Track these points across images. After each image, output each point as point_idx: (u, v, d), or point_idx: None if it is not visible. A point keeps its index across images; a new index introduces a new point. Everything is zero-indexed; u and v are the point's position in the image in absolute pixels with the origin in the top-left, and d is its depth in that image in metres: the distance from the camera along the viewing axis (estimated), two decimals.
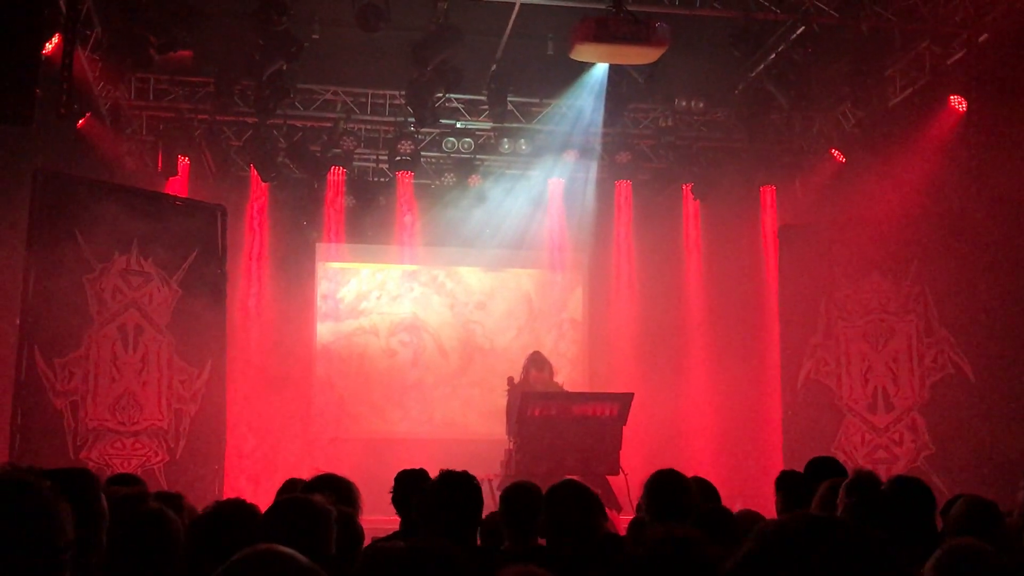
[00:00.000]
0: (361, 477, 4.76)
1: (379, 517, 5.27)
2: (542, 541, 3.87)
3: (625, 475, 9.05)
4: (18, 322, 8.99)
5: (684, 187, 13.27)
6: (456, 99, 12.00)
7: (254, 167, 12.27)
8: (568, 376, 12.61)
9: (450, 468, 4.05)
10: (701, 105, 11.85)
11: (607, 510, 4.89)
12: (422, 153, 12.46)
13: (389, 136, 12.43)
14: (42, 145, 9.37)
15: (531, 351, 10.60)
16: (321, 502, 3.10)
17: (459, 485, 3.92)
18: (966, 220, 10.19)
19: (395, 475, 4.98)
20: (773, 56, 10.55)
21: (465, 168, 12.69)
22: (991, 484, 8.11)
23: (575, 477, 6.16)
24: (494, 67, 11.16)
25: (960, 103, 10.07)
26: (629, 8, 8.75)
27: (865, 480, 4.01)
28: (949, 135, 10.22)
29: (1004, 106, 9.20)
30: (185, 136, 11.71)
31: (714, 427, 12.64)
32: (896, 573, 1.32)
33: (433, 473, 4.14)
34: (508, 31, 10.23)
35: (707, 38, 10.22)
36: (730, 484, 9.34)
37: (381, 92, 12.05)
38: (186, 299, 10.22)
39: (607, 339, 13.52)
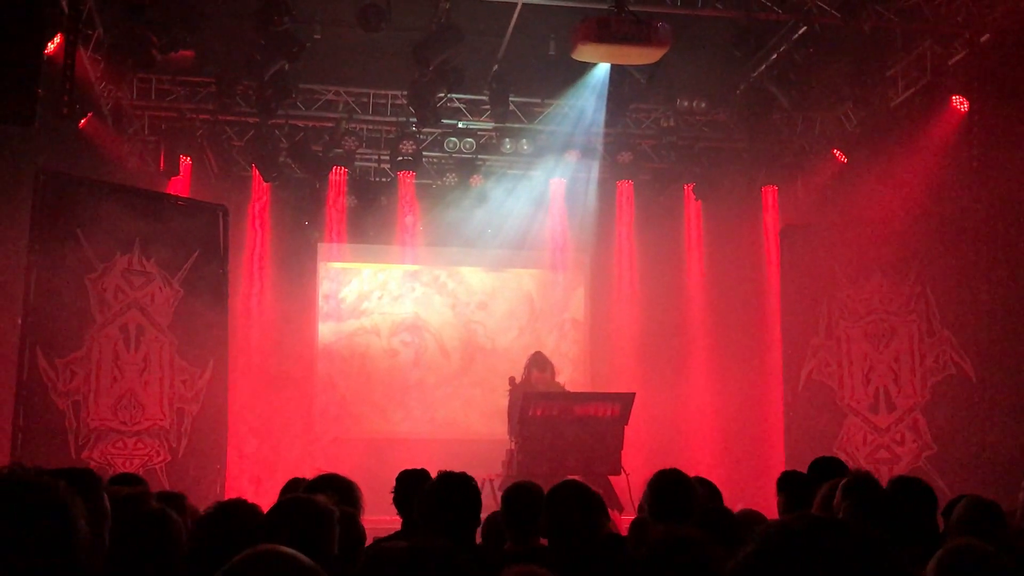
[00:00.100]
0: (362, 477, 4.76)
1: (381, 517, 5.27)
2: (544, 541, 3.88)
3: (626, 475, 9.05)
4: (20, 322, 9.00)
5: (686, 187, 13.27)
6: (458, 99, 12.00)
7: (256, 167, 12.28)
8: (569, 376, 12.62)
9: (452, 468, 4.05)
10: (703, 105, 11.85)
11: (609, 510, 4.89)
12: (424, 153, 12.46)
13: (391, 136, 12.43)
14: (44, 145, 9.39)
15: (533, 351, 10.61)
16: (324, 502, 3.11)
17: (457, 486, 3.93)
18: (968, 220, 10.19)
19: (396, 475, 4.98)
20: (775, 56, 10.55)
21: (467, 168, 12.69)
22: (993, 484, 8.10)
23: (576, 477, 6.17)
24: (496, 67, 11.16)
25: (962, 103, 10.06)
26: (631, 8, 8.75)
27: (862, 481, 4.01)
28: (951, 135, 10.21)
29: (1006, 106, 9.20)
30: (187, 136, 11.72)
31: (715, 427, 12.64)
32: (898, 574, 1.32)
33: (434, 473, 4.14)
34: (510, 31, 10.23)
35: (709, 38, 10.21)
36: (731, 484, 9.33)
37: (383, 92, 12.05)
38: (188, 299, 10.23)
39: (609, 339, 13.52)
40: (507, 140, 12.32)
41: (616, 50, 8.65)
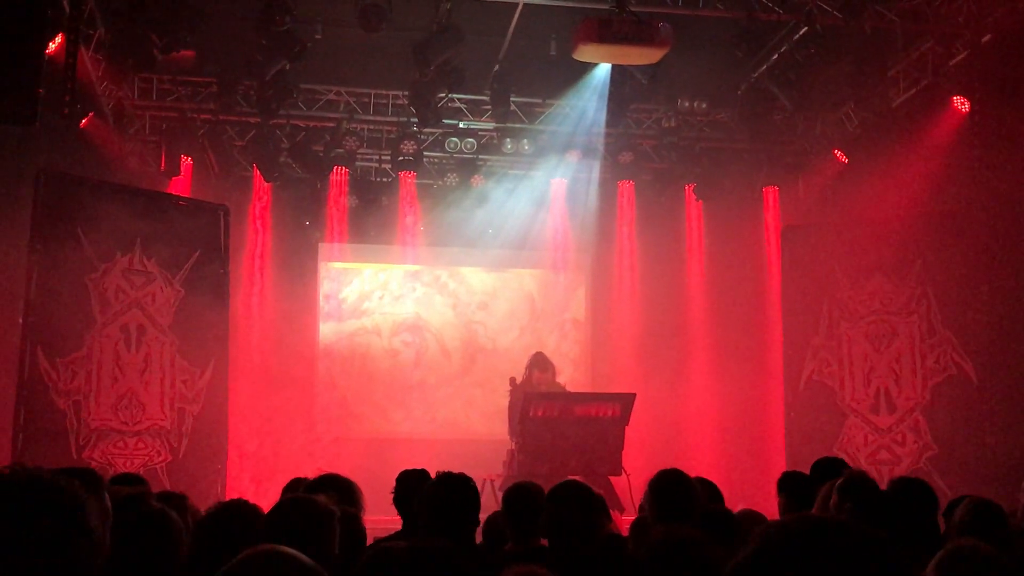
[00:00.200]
0: (363, 477, 4.77)
1: (381, 517, 5.27)
2: (544, 541, 3.88)
3: (627, 476, 9.06)
4: (21, 322, 9.01)
5: (687, 187, 13.26)
6: (459, 99, 12.00)
7: (257, 167, 12.28)
8: (570, 376, 12.62)
9: (452, 468, 4.06)
10: (704, 105, 11.85)
11: (609, 510, 4.89)
12: (425, 153, 12.45)
13: (392, 136, 12.43)
14: (45, 145, 9.40)
15: (533, 352, 10.62)
16: (324, 502, 3.11)
17: (457, 486, 3.93)
18: (969, 221, 10.18)
19: (397, 475, 4.98)
20: (776, 57, 10.55)
21: (468, 168, 12.70)
22: (994, 485, 8.10)
23: (577, 477, 6.17)
24: (497, 67, 11.16)
25: (963, 103, 10.06)
26: (632, 8, 8.76)
27: (858, 481, 4.01)
28: (952, 136, 10.21)
29: (1007, 106, 9.19)
30: (188, 136, 11.71)
31: (716, 428, 12.63)
32: (898, 574, 1.32)
33: (434, 474, 4.15)
34: (511, 31, 10.23)
35: (710, 38, 10.21)
36: (732, 485, 9.33)
37: (384, 92, 12.05)
38: (189, 299, 10.23)
39: (609, 339, 13.52)
40: (508, 140, 12.33)
41: (617, 50, 8.65)
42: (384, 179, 13.18)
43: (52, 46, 8.09)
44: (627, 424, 9.40)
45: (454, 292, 13.78)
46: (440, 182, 13.14)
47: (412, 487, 4.67)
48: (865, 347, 10.79)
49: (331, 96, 12.02)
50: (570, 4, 9.64)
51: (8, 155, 9.28)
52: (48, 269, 9.08)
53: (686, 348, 13.15)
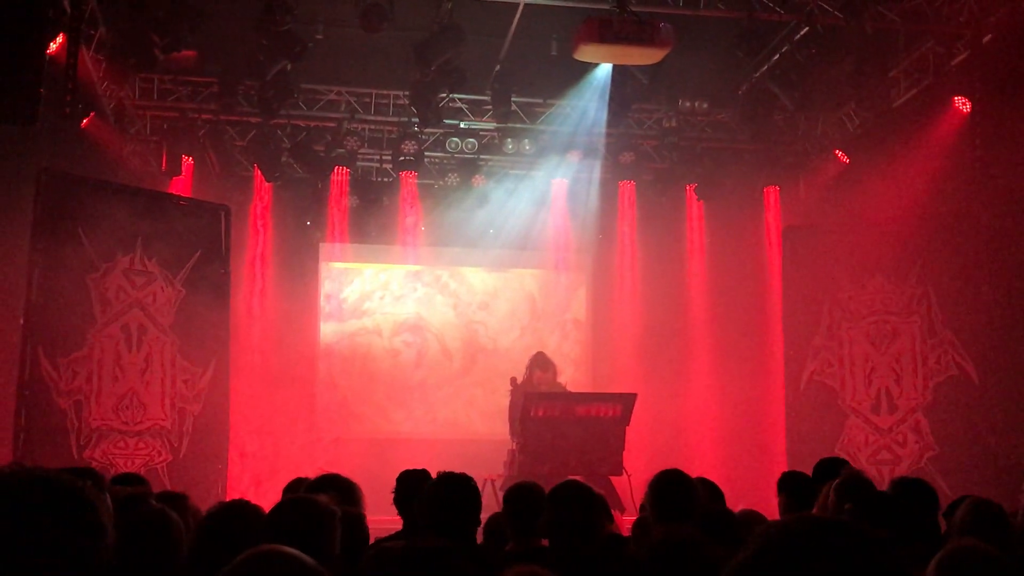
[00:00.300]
0: (364, 477, 4.76)
1: (382, 517, 5.27)
2: (545, 541, 3.88)
3: (628, 476, 9.06)
4: (22, 322, 9.01)
5: (688, 188, 13.26)
6: (460, 99, 12.00)
7: (258, 167, 12.29)
8: (571, 377, 12.62)
9: (453, 468, 4.06)
10: (705, 106, 11.86)
11: (610, 511, 4.89)
12: (426, 153, 12.46)
13: (393, 136, 12.44)
14: (46, 145, 9.40)
15: (534, 352, 10.62)
16: (325, 502, 3.11)
17: (457, 486, 3.93)
18: (970, 221, 10.18)
19: (397, 475, 4.98)
20: (777, 57, 10.55)
21: (469, 168, 12.70)
22: (994, 485, 8.10)
23: (578, 478, 6.17)
24: (498, 67, 11.16)
25: (964, 104, 10.06)
26: (633, 9, 8.75)
27: (856, 481, 4.01)
28: (953, 136, 10.20)
29: (1008, 106, 9.18)
30: (189, 136, 11.71)
31: (717, 428, 12.63)
32: (899, 574, 1.32)
33: (435, 474, 4.15)
34: (512, 31, 10.23)
35: (711, 39, 10.21)
36: (732, 485, 9.30)
37: (385, 92, 12.06)
38: (190, 299, 10.23)
39: (610, 340, 13.52)
40: (509, 140, 12.33)
41: (618, 50, 8.65)
42: (385, 179, 13.18)
43: (53, 46, 8.09)
44: (628, 424, 9.40)
45: (455, 292, 13.78)
46: (441, 182, 13.14)
47: (413, 487, 4.66)
48: (866, 347, 10.79)
49: (332, 96, 12.02)
50: (571, 4, 9.65)
51: (9, 155, 9.28)
52: (49, 269, 9.07)
53: (687, 348, 13.15)
